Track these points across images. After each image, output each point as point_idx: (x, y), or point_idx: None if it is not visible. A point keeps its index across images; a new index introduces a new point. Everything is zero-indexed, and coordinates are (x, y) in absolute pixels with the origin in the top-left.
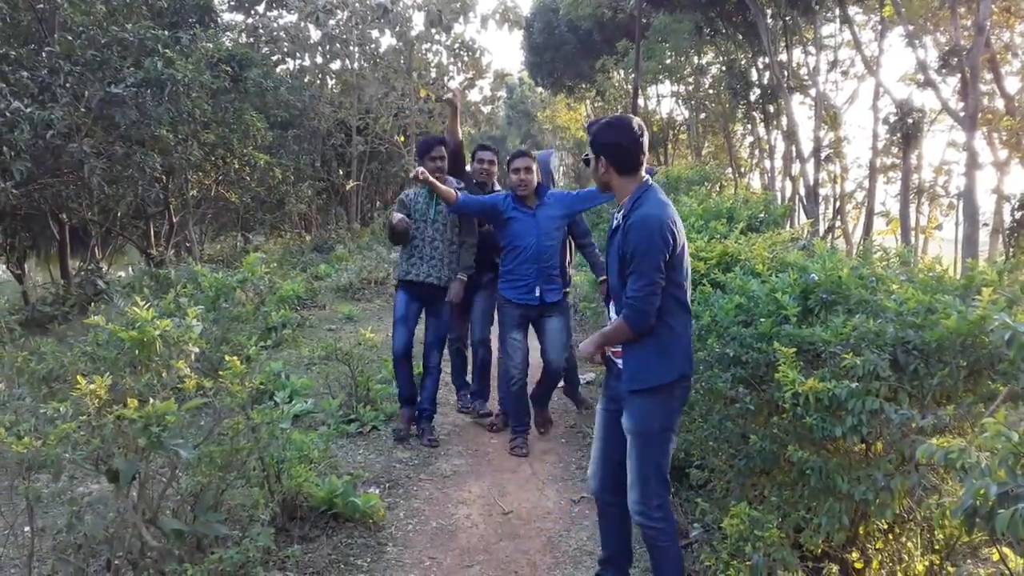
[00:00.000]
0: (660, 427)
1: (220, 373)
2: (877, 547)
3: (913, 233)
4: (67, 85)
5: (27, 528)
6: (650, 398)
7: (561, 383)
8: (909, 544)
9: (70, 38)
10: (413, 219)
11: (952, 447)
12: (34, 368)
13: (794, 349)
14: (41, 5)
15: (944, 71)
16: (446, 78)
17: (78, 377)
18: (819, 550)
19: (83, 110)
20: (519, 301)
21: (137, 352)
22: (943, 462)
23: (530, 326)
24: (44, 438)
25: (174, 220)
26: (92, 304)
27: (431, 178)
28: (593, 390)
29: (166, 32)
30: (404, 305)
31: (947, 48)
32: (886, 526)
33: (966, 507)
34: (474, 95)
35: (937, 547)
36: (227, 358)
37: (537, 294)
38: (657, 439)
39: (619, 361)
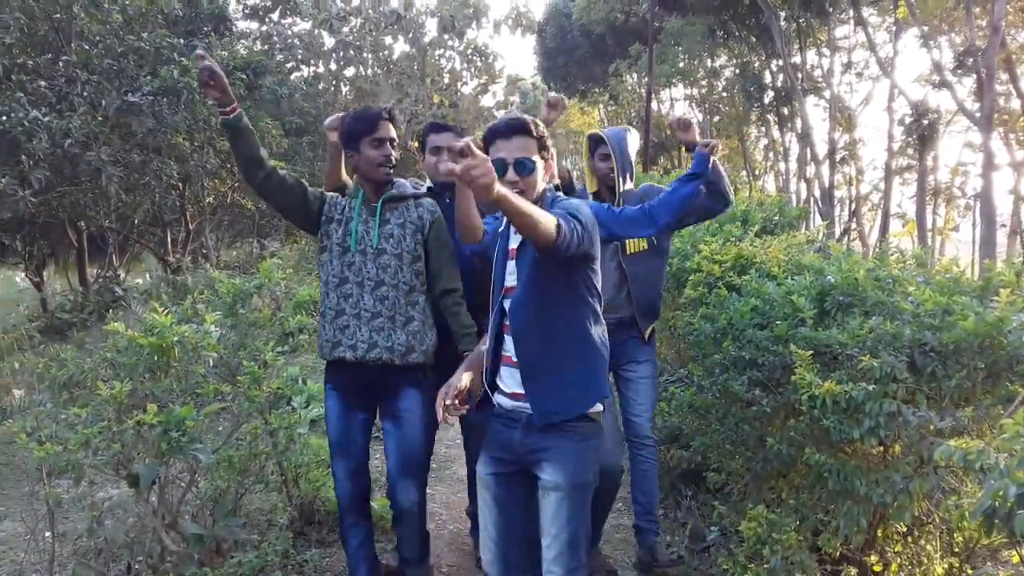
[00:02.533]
0: (594, 473)
1: (238, 378)
2: (896, 550)
3: (930, 235)
4: (84, 94)
5: (48, 533)
6: (585, 439)
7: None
8: (928, 547)
9: (87, 47)
10: (341, 248)
11: (970, 448)
12: (55, 374)
13: (810, 352)
14: (58, 15)
15: (959, 72)
16: (459, 83)
17: (98, 383)
18: (837, 553)
19: (100, 118)
20: None
21: (156, 358)
22: (962, 463)
23: None
24: (65, 443)
25: (191, 227)
26: (110, 311)
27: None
28: None
29: (182, 40)
30: (338, 418)
31: (962, 49)
32: (905, 529)
33: (985, 508)
34: (487, 100)
35: (957, 550)
36: (245, 363)
37: None
38: (590, 489)
39: (524, 404)
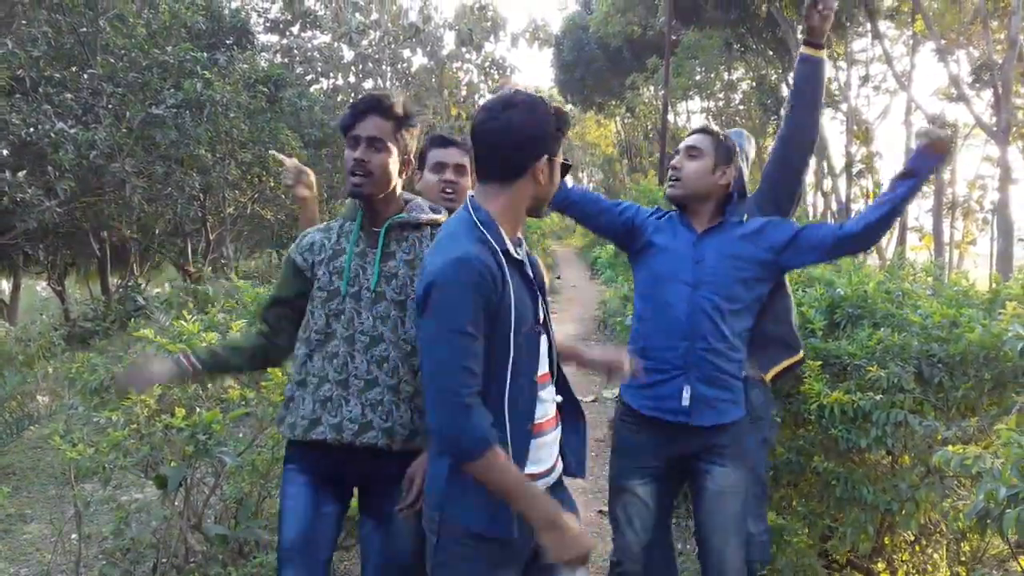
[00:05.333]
0: None
1: (261, 384)
2: (903, 558)
3: (947, 248)
4: (109, 106)
5: (74, 535)
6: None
7: None
8: (935, 555)
9: (112, 61)
10: (327, 293)
11: (967, 454)
12: (87, 379)
13: (820, 362)
14: (84, 29)
15: (977, 85)
16: (477, 96)
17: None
18: (844, 559)
19: (125, 130)
20: (649, 412)
21: None
22: (958, 468)
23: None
24: (96, 446)
25: (211, 237)
26: (132, 320)
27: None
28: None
29: (205, 54)
30: (305, 511)
31: (979, 62)
32: (912, 537)
33: (978, 509)
34: None
35: (963, 559)
36: (268, 370)
37: (684, 401)
38: None
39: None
